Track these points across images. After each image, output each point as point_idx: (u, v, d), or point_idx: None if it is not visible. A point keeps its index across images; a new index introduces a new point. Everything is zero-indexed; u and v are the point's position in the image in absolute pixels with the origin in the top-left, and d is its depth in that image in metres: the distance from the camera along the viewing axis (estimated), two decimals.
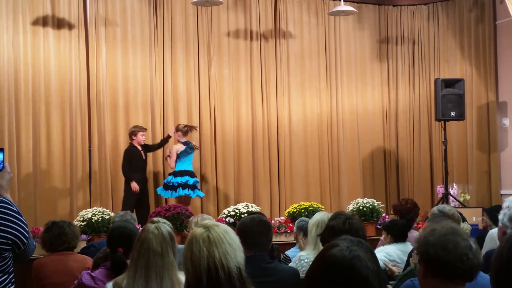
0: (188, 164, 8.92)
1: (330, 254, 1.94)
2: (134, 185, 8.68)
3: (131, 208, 8.28)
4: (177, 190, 8.74)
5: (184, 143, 8.93)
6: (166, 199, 9.17)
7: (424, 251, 2.47)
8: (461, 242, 2.43)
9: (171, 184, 8.79)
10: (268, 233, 3.75)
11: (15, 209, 2.94)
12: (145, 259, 3.08)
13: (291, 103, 10.53)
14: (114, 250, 3.66)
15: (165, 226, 3.21)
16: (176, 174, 8.84)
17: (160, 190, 9.10)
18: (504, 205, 5.49)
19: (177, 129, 9.06)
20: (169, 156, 9.10)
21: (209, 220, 3.21)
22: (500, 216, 4.42)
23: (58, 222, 5.00)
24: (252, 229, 3.62)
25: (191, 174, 8.91)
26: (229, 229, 2.56)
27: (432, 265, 2.44)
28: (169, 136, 9.28)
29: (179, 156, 8.91)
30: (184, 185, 8.76)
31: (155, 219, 3.30)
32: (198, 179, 9.17)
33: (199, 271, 2.44)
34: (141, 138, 8.90)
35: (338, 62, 10.87)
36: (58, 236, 4.86)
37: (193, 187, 8.82)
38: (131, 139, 8.94)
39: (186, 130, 9.01)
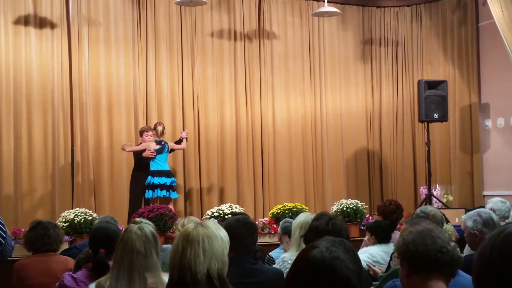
0: (163, 164, 8.82)
1: (310, 256, 1.93)
2: (147, 153, 8.68)
3: (138, 207, 8.45)
4: (155, 191, 8.67)
5: (159, 142, 8.84)
6: (149, 199, 9.03)
7: (404, 250, 2.51)
8: (438, 237, 2.52)
9: (151, 184, 8.72)
10: (253, 234, 3.73)
11: None
12: (128, 259, 3.06)
13: (275, 104, 10.53)
14: (96, 251, 3.63)
15: (148, 226, 3.19)
16: (154, 174, 8.76)
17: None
18: (488, 206, 5.53)
19: (154, 128, 8.98)
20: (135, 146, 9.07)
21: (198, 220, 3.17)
22: (470, 223, 4.24)
23: (44, 222, 4.95)
24: (237, 231, 3.58)
25: (167, 174, 8.83)
26: (216, 235, 2.51)
27: (414, 261, 2.48)
28: (181, 139, 9.24)
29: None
30: (162, 186, 8.70)
31: (137, 219, 3.28)
32: (175, 178, 9.09)
33: (173, 265, 2.45)
34: (146, 138, 8.87)
35: (322, 63, 10.89)
36: (41, 236, 4.81)
37: (168, 187, 8.75)
38: (141, 138, 8.98)
39: (162, 130, 8.92)
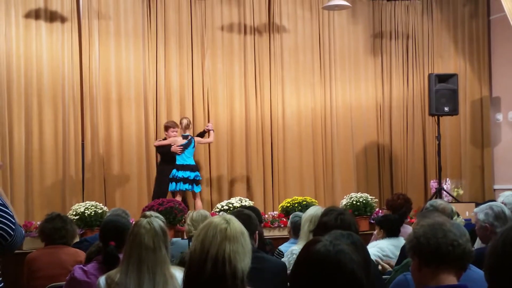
0: (188, 158, 8.85)
1: (314, 250, 1.94)
2: (174, 148, 8.73)
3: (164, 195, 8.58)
4: (178, 184, 8.69)
5: (185, 137, 8.86)
6: (172, 192, 9.01)
7: (415, 243, 2.49)
8: (450, 231, 2.49)
9: (175, 177, 8.74)
10: (250, 225, 3.75)
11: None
12: (137, 253, 3.07)
13: (284, 98, 10.51)
14: (106, 244, 3.65)
15: (157, 220, 3.20)
16: (178, 168, 8.78)
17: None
18: (499, 200, 5.51)
19: (180, 123, 9.00)
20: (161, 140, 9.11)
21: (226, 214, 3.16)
22: (481, 216, 4.26)
23: (63, 216, 5.03)
24: None
25: (192, 168, 8.84)
26: (245, 231, 2.54)
27: (425, 254, 2.46)
28: (206, 131, 9.27)
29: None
30: (185, 180, 8.72)
31: (147, 213, 3.29)
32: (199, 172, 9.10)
33: (205, 257, 2.42)
34: (172, 134, 8.91)
35: (332, 56, 10.85)
36: (59, 229, 4.87)
37: (192, 181, 8.77)
38: (165, 133, 9.02)
39: (187, 123, 8.93)
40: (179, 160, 8.75)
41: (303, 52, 10.69)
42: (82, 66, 9.35)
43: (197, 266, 2.43)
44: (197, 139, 9.11)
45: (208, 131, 9.22)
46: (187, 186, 8.70)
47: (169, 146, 8.83)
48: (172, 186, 8.70)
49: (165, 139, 9.04)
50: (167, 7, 9.89)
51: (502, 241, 1.54)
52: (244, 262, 2.44)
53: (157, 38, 9.81)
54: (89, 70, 9.35)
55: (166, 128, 9.02)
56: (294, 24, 10.66)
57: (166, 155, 8.92)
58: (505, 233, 1.55)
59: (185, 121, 8.90)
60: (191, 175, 8.72)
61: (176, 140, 8.83)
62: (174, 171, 8.70)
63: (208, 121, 9.62)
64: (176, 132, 8.92)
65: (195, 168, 8.85)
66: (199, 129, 9.59)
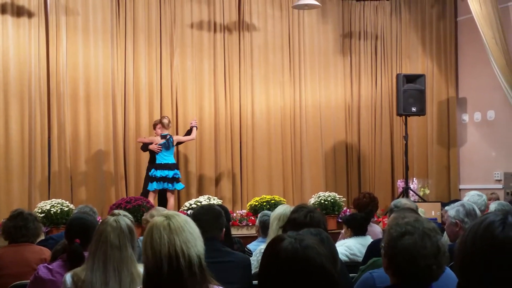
0: (168, 157, 8.82)
1: (281, 248, 1.93)
2: (152, 146, 8.78)
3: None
4: (159, 183, 8.67)
5: (163, 137, 8.83)
6: (153, 191, 8.92)
7: (391, 255, 2.43)
8: (428, 251, 2.38)
9: (153, 176, 8.70)
10: (217, 219, 3.79)
11: None
12: (102, 251, 3.04)
13: (254, 96, 10.51)
14: (71, 242, 3.60)
15: (125, 219, 3.17)
16: (157, 167, 8.75)
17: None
18: (464, 199, 5.58)
19: (160, 121, 8.97)
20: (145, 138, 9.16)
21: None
22: (452, 212, 4.31)
23: (25, 214, 4.91)
24: (199, 217, 3.66)
25: (170, 166, 8.81)
26: (189, 219, 2.56)
27: (400, 272, 2.42)
28: (191, 128, 9.26)
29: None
30: (165, 179, 8.69)
31: (115, 211, 3.26)
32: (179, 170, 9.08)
33: (159, 258, 2.42)
34: (158, 131, 8.94)
35: (302, 55, 10.89)
36: (19, 228, 4.78)
37: (172, 180, 8.74)
38: (154, 131, 9.08)
39: (168, 123, 8.93)
40: (158, 159, 8.79)
41: (273, 51, 10.70)
42: (49, 62, 9.22)
43: (154, 269, 2.43)
44: (177, 137, 9.13)
45: (191, 128, 9.21)
46: (166, 184, 8.69)
47: (149, 144, 8.84)
48: (152, 186, 8.67)
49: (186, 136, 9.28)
50: (136, 4, 9.81)
51: (471, 237, 1.55)
52: (197, 247, 2.45)
53: (126, 35, 9.73)
54: (56, 66, 9.23)
55: (154, 126, 9.10)
56: (264, 22, 10.67)
57: (151, 154, 8.94)
58: (474, 228, 1.56)
59: (165, 121, 8.90)
60: (169, 173, 8.72)
61: (154, 139, 8.86)
62: (152, 170, 8.73)
63: (177, 120, 9.58)
64: (161, 128, 8.93)
65: (173, 166, 8.85)
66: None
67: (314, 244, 1.92)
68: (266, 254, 2.01)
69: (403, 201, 5.31)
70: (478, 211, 4.35)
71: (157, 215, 2.62)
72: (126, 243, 3.07)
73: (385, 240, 2.49)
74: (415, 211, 4.60)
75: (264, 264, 2.00)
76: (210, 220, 3.74)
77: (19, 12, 9.06)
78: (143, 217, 5.40)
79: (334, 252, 2.02)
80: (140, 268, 3.13)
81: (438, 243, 2.42)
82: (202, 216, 3.72)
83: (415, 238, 2.39)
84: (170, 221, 2.48)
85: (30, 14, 9.11)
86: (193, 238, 2.47)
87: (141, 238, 5.32)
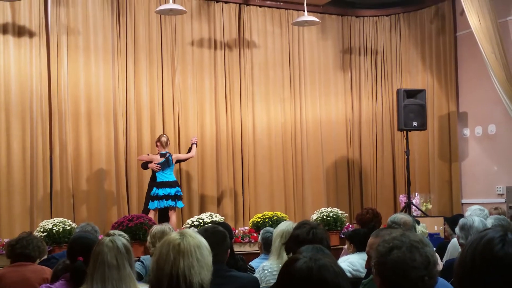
0: (168, 175, 8.83)
1: (296, 269, 1.91)
2: (152, 165, 8.81)
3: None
4: (161, 201, 8.68)
5: (163, 155, 8.85)
6: (154, 210, 8.90)
7: (382, 271, 2.42)
8: (418, 262, 2.37)
9: (155, 195, 8.71)
10: (223, 242, 3.71)
11: None
12: (100, 272, 3.04)
13: (255, 113, 10.53)
14: (74, 261, 3.60)
15: (121, 238, 3.17)
16: (158, 185, 8.76)
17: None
18: (466, 214, 5.57)
19: (158, 140, 9.00)
20: (147, 155, 9.14)
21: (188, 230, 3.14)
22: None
23: (28, 236, 4.93)
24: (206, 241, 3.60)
25: (171, 184, 8.82)
26: (204, 243, 2.52)
27: (390, 285, 2.41)
28: (192, 145, 9.30)
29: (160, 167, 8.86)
30: (167, 197, 8.70)
31: (111, 232, 3.27)
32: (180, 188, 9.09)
33: (161, 275, 2.42)
34: (157, 150, 9.00)
35: (302, 72, 10.92)
36: (24, 248, 4.81)
37: (174, 197, 8.75)
38: (157, 148, 9.09)
39: (166, 141, 8.96)
40: (159, 178, 8.82)
41: (273, 68, 10.74)
42: (51, 80, 9.24)
43: (156, 284, 2.42)
44: (176, 155, 9.16)
45: (192, 145, 9.23)
46: (169, 202, 8.70)
47: (149, 162, 8.86)
48: (154, 204, 8.67)
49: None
50: (136, 22, 9.85)
51: (471, 253, 1.55)
52: (201, 275, 2.43)
53: (126, 53, 9.76)
54: (57, 85, 9.25)
55: (156, 143, 9.11)
56: (264, 39, 10.72)
57: (153, 171, 8.97)
58: (474, 244, 1.56)
59: (164, 139, 8.92)
60: (171, 191, 8.74)
61: (154, 157, 8.87)
62: (154, 189, 8.73)
63: (179, 138, 9.59)
64: (159, 146, 8.98)
65: (174, 184, 8.86)
66: (170, 145, 9.55)
67: (329, 263, 1.90)
68: (281, 274, 1.99)
69: (399, 216, 5.30)
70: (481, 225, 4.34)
71: (173, 233, 2.59)
72: (123, 262, 3.08)
73: (374, 258, 2.47)
74: (408, 227, 4.61)
75: (279, 284, 1.98)
76: (216, 243, 3.68)
77: (20, 32, 9.10)
78: (150, 230, 5.36)
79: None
80: (140, 286, 3.13)
81: (427, 254, 2.40)
82: (209, 239, 3.65)
83: (404, 251, 2.37)
84: (182, 241, 2.46)
85: (31, 34, 9.15)
86: (198, 265, 2.44)
87: (144, 257, 5.28)
